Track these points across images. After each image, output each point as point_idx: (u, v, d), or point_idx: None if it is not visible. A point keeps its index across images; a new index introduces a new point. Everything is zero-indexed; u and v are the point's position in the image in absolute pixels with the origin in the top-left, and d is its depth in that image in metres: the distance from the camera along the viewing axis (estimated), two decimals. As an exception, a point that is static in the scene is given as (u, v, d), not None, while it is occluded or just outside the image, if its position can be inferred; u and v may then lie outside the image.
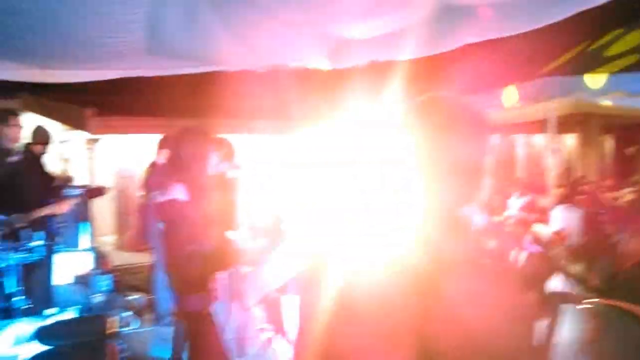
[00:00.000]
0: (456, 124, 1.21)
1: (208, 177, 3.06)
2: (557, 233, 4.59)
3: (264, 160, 6.40)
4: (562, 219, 4.82)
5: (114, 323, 2.74)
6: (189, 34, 4.23)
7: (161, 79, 5.72)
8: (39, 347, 2.63)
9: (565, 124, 6.31)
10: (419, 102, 1.27)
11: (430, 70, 4.73)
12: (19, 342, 2.79)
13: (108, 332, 2.64)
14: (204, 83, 6.81)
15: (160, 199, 3.10)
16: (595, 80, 5.32)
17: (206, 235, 3.07)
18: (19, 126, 4.34)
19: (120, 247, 9.91)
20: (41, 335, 2.65)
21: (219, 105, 7.78)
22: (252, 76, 5.28)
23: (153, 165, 5.28)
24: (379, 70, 4.29)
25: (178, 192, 2.98)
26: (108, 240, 10.00)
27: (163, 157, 5.15)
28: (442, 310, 1.08)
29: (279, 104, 5.29)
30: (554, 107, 5.59)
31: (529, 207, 5.60)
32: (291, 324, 4.30)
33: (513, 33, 4.02)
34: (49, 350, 2.57)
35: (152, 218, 3.77)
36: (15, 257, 3.24)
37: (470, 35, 4.05)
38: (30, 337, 2.69)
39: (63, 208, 4.26)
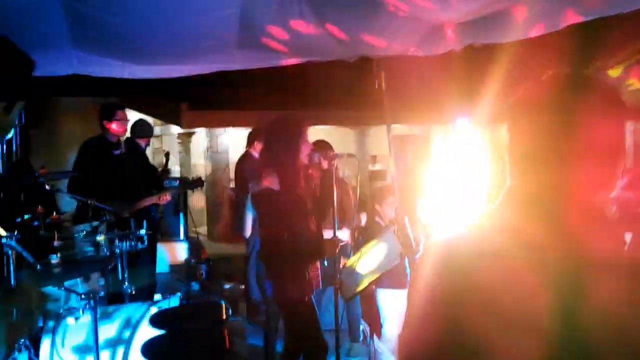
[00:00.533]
0: (591, 101, 1.11)
1: (301, 167, 3.03)
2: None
3: (357, 151, 6.35)
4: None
5: (226, 310, 2.79)
6: (280, 26, 4.25)
7: (252, 72, 5.80)
8: (154, 331, 2.73)
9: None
10: (547, 80, 1.16)
11: (530, 53, 4.48)
12: (130, 325, 2.92)
13: (223, 318, 2.69)
14: (294, 75, 6.87)
15: (255, 189, 3.10)
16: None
17: (302, 225, 3.05)
18: (124, 120, 4.53)
19: (213, 237, 10.26)
20: (159, 319, 2.73)
21: (310, 97, 7.84)
22: (343, 67, 5.22)
23: (245, 156, 5.37)
24: (477, 55, 4.11)
25: (272, 183, 2.97)
26: (201, 230, 10.39)
27: (256, 149, 5.23)
28: (589, 308, 0.98)
29: (372, 95, 5.21)
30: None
31: (633, 185, 5.18)
32: (387, 316, 4.25)
33: (617, 12, 3.70)
34: (167, 333, 2.65)
35: (245, 209, 3.82)
36: (123, 245, 3.38)
37: (575, 15, 3.77)
38: (148, 321, 2.79)
39: (165, 199, 4.42)
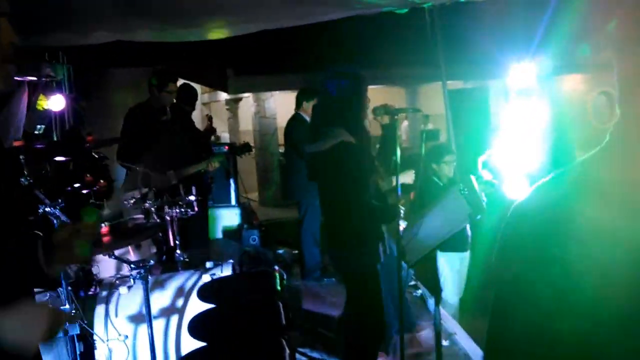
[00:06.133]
0: None
1: (365, 124, 2.80)
2: None
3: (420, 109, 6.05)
4: None
5: (281, 279, 2.64)
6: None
7: (296, 32, 5.55)
8: (202, 304, 2.63)
9: None
10: None
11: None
12: (182, 294, 2.83)
13: (278, 289, 2.55)
14: (340, 33, 6.59)
15: (311, 150, 2.89)
16: None
17: (374, 182, 2.84)
18: (174, 92, 4.40)
19: (263, 202, 10.24)
20: (207, 292, 2.63)
21: (358, 55, 7.53)
22: (392, 20, 4.92)
23: (294, 119, 5.20)
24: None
25: (344, 136, 2.72)
26: (251, 196, 10.38)
27: (305, 110, 5.04)
28: None
29: (424, 50, 4.90)
30: None
31: None
32: (446, 280, 4.06)
33: None
34: (216, 308, 2.54)
35: (299, 172, 3.65)
36: (173, 212, 3.29)
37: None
38: (197, 294, 2.68)
39: (213, 165, 4.30)
